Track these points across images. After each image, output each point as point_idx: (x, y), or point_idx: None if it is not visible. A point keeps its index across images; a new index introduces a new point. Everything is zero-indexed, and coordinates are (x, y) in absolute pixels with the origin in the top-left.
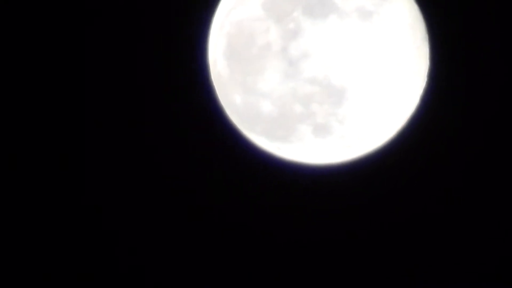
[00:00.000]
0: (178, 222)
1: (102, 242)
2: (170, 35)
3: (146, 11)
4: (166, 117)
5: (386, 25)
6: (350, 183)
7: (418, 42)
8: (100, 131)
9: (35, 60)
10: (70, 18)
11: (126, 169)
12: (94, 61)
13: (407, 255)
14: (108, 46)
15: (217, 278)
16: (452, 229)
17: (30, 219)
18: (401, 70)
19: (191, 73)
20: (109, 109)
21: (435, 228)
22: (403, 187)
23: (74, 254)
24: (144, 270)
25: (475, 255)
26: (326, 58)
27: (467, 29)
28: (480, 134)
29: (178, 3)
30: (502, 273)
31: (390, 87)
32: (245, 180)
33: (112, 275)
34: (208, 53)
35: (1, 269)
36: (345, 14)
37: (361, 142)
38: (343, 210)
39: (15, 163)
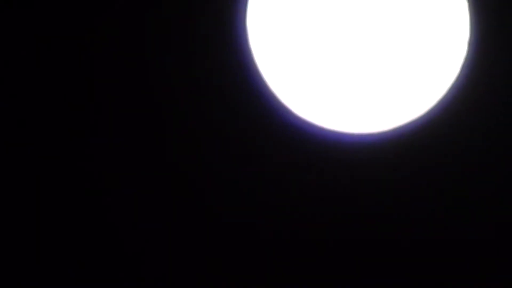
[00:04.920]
0: (225, 189)
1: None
2: (209, 4)
3: None
4: (207, 87)
5: None
6: (389, 153)
7: (460, 8)
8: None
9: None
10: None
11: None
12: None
13: (453, 228)
14: (143, 18)
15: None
16: (500, 204)
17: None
18: (441, 38)
19: (231, 41)
20: (152, 82)
21: (481, 202)
22: (442, 158)
23: (80, 254)
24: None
25: None
26: (366, 25)
27: None
28: None
29: None
30: None
31: (430, 55)
32: (287, 149)
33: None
34: (247, 23)
35: None
36: None
37: (401, 111)
38: (383, 181)
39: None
